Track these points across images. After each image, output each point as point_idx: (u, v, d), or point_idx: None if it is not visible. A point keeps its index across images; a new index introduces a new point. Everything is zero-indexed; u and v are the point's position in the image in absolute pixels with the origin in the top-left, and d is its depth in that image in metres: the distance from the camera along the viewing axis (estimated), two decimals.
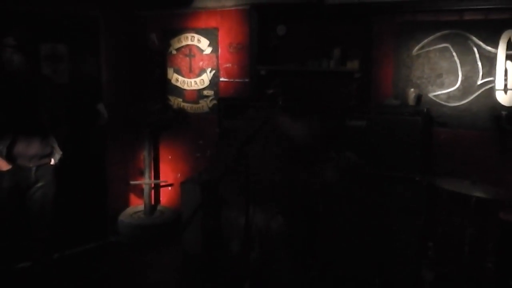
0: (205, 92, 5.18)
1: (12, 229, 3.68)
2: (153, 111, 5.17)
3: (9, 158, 3.53)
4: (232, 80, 5.01)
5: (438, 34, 4.14)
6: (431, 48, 4.19)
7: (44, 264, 3.85)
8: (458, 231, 3.94)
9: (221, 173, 3.13)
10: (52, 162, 3.74)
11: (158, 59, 5.30)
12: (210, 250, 4.44)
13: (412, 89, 4.16)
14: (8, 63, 3.53)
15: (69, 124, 3.94)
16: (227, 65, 5.02)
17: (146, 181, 5.22)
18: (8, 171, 3.54)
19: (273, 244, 3.45)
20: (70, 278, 4.14)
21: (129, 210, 5.33)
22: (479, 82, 4.05)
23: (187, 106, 5.29)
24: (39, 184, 3.70)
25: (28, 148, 3.59)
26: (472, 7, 3.98)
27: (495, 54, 3.96)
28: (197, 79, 5.20)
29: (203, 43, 5.11)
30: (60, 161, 3.79)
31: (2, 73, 3.56)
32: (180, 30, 5.20)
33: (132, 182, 5.37)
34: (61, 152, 3.77)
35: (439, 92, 4.20)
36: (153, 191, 5.41)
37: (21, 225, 3.72)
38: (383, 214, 3.83)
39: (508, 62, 3.93)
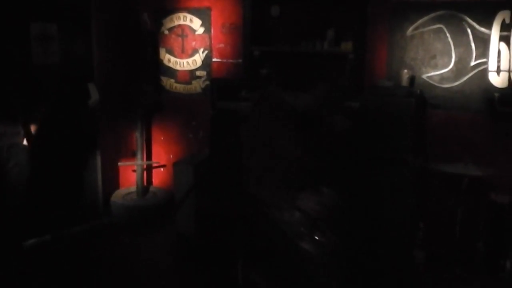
0: (198, 73, 5.14)
1: None
2: (146, 92, 5.13)
3: None
4: (225, 60, 4.97)
5: (432, 15, 4.12)
6: (425, 29, 4.17)
7: (11, 251, 3.81)
8: (449, 212, 3.98)
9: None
10: (25, 142, 3.72)
11: (150, 40, 5.24)
12: (203, 231, 4.45)
13: (405, 71, 4.15)
14: None
15: (49, 104, 3.90)
16: (220, 46, 4.98)
17: (139, 162, 5.20)
18: None
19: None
20: (63, 259, 4.14)
21: (122, 191, 5.32)
22: (472, 63, 4.05)
23: (179, 87, 5.25)
24: (11, 165, 3.65)
25: None
26: None
27: (489, 36, 3.95)
28: (190, 60, 5.15)
29: (196, 23, 5.06)
30: (32, 142, 3.76)
31: None
32: (172, 10, 5.13)
33: (124, 163, 5.35)
34: (24, 132, 3.73)
35: (432, 74, 4.19)
36: (145, 172, 5.40)
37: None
38: (375, 195, 3.84)
39: (502, 43, 3.92)
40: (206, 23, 5.01)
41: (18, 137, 3.69)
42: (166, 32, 5.21)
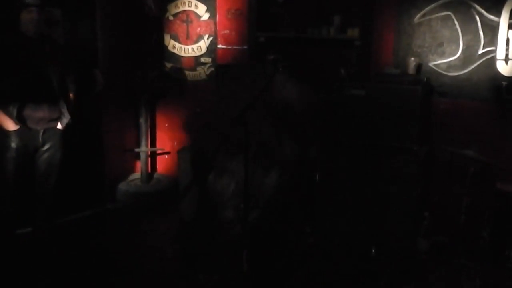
0: (203, 59, 5.11)
1: (16, 194, 3.68)
2: (150, 78, 5.10)
3: (19, 119, 3.55)
4: (230, 47, 4.93)
5: (440, 1, 4.07)
6: (432, 16, 4.12)
7: (44, 230, 3.90)
8: (455, 201, 3.95)
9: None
10: (59, 126, 3.76)
11: (155, 25, 5.20)
12: (207, 217, 4.45)
13: (412, 58, 4.12)
14: (31, 23, 3.49)
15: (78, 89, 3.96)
16: (225, 32, 4.94)
17: (143, 149, 5.19)
18: (16, 132, 3.55)
19: (269, 201, 3.44)
20: (66, 245, 4.14)
21: (126, 177, 5.31)
22: (480, 51, 4.01)
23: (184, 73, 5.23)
24: (46, 147, 3.73)
25: (36, 111, 3.60)
26: None
27: (498, 23, 3.91)
28: (195, 46, 5.12)
29: (201, 9, 5.01)
30: (67, 126, 3.81)
31: (17, 34, 3.54)
32: None
33: (128, 150, 5.34)
34: (69, 117, 3.79)
35: (439, 61, 4.15)
36: (149, 159, 5.39)
37: (25, 191, 3.73)
38: (380, 184, 3.83)
39: (511, 31, 3.88)
40: (211, 9, 4.97)
41: (56, 122, 3.73)
42: (171, 17, 5.17)
